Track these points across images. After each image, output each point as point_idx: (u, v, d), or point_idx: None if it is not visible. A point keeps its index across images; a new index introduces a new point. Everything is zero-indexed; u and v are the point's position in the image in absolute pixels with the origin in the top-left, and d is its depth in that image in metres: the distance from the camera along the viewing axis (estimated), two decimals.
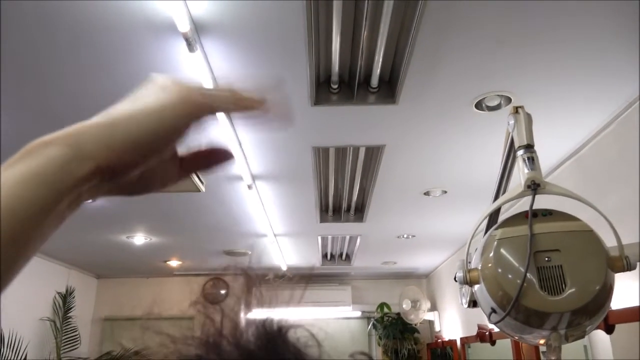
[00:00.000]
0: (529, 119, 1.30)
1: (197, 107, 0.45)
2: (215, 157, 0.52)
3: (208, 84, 2.16)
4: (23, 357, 4.93)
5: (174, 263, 6.10)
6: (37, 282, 5.37)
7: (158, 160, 0.45)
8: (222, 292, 6.80)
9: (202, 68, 2.05)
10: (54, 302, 5.69)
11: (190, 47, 1.88)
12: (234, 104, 0.48)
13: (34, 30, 1.86)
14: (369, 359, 0.45)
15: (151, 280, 6.88)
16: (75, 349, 5.66)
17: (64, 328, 5.63)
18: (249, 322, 0.43)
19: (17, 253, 0.33)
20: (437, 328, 6.66)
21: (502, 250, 1.10)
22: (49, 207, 0.35)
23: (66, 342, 5.61)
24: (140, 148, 0.41)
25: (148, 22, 1.83)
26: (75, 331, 5.77)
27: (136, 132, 0.41)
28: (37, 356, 5.36)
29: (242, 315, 0.45)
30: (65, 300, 5.74)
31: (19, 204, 0.33)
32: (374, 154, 3.09)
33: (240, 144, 2.85)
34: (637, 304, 2.28)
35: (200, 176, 3.18)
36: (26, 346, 4.99)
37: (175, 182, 0.51)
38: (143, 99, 0.44)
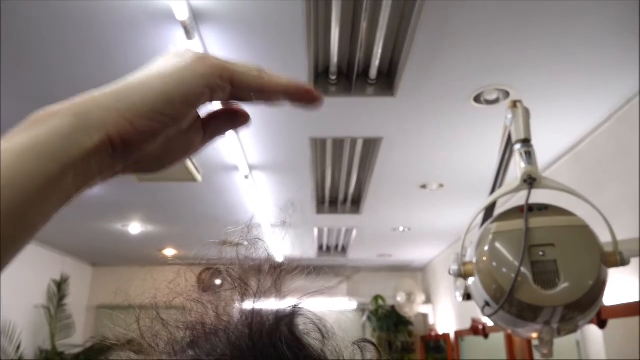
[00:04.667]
0: (527, 113, 1.30)
1: (216, 67, 0.40)
2: (236, 117, 0.48)
3: None
4: (17, 344, 4.94)
5: (169, 252, 6.10)
6: (32, 269, 5.37)
7: (178, 129, 0.41)
8: (218, 282, 6.81)
9: None
10: (49, 290, 5.69)
11: (189, 34, 1.87)
12: (260, 78, 0.42)
13: (32, 19, 1.84)
14: (373, 345, 0.44)
15: (146, 269, 6.89)
16: (70, 336, 5.67)
17: (59, 315, 5.64)
18: (252, 312, 0.43)
19: (16, 229, 0.30)
20: (431, 321, 6.70)
21: (497, 244, 1.10)
22: (51, 180, 0.32)
23: (60, 329, 5.62)
24: (157, 113, 0.37)
25: (146, 8, 1.81)
26: (70, 318, 5.78)
27: (151, 96, 0.37)
28: (31, 343, 5.37)
29: (238, 305, 0.45)
30: (60, 287, 5.74)
31: (20, 176, 0.30)
32: (371, 146, 3.09)
33: (237, 134, 2.84)
34: (630, 300, 2.29)
35: (194, 163, 3.17)
36: (20, 333, 5.00)
37: (198, 150, 0.47)
38: (157, 65, 0.40)
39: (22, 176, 0.30)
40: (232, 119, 0.47)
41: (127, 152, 0.37)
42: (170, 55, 0.41)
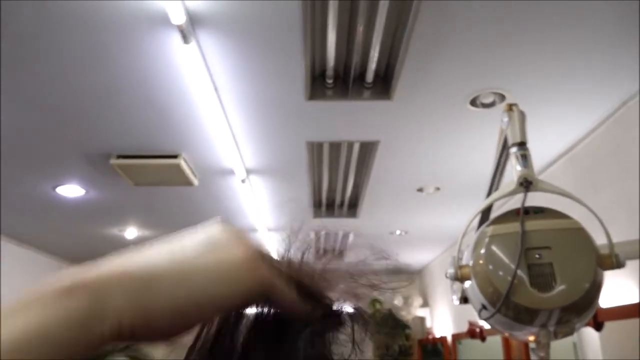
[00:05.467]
0: (522, 116, 1.30)
1: (265, 283, 0.37)
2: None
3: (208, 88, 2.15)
4: None
5: None
6: (29, 275, 5.34)
7: None
8: None
9: (196, 60, 2.04)
10: None
11: (185, 38, 1.87)
12: (293, 303, 0.40)
13: (29, 23, 1.84)
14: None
15: None
16: None
17: None
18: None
19: None
20: (428, 324, 6.70)
21: (494, 247, 1.10)
22: None
23: None
24: (184, 318, 0.33)
25: (142, 12, 1.81)
26: None
27: (184, 298, 0.33)
28: None
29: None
30: None
31: None
32: (368, 149, 3.09)
33: (234, 137, 2.84)
34: (626, 302, 2.30)
35: (193, 170, 3.17)
36: None
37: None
38: (195, 252, 0.35)
39: None
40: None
41: (138, 340, 0.34)
42: (212, 238, 0.37)
